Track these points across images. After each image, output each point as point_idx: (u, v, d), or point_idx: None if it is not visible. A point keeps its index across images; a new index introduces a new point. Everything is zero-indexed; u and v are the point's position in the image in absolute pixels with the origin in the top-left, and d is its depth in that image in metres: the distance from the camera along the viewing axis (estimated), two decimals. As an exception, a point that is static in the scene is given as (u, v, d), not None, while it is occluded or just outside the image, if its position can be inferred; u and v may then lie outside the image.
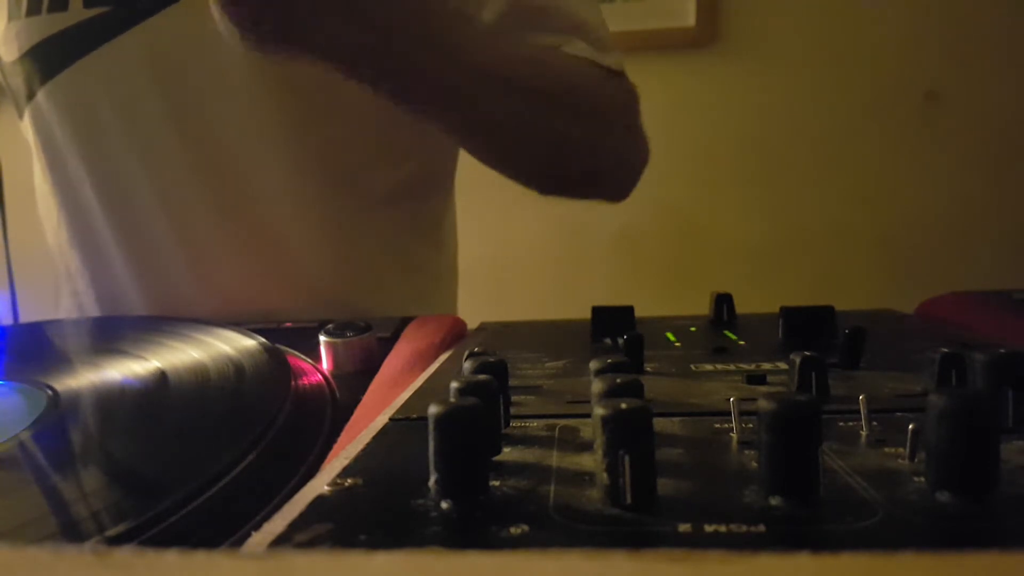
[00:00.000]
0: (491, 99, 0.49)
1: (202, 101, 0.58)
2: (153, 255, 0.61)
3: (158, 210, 0.60)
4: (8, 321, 0.61)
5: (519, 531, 0.15)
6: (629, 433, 0.16)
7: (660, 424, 0.22)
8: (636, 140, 0.63)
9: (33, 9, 0.58)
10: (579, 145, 0.57)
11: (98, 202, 0.61)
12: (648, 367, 0.32)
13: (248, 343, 0.40)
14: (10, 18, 0.60)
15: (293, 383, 0.35)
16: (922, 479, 0.17)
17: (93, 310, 0.64)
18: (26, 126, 0.64)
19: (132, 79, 0.57)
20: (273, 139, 0.59)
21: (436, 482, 0.16)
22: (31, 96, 0.61)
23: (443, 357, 0.37)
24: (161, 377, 0.36)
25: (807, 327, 0.38)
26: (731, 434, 0.21)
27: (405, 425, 0.24)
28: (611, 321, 0.40)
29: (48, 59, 0.59)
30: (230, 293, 0.61)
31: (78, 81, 0.58)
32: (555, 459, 0.20)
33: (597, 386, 0.19)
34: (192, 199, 0.59)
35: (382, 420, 0.24)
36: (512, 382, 0.26)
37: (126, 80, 0.58)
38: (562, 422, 0.23)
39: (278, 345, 0.41)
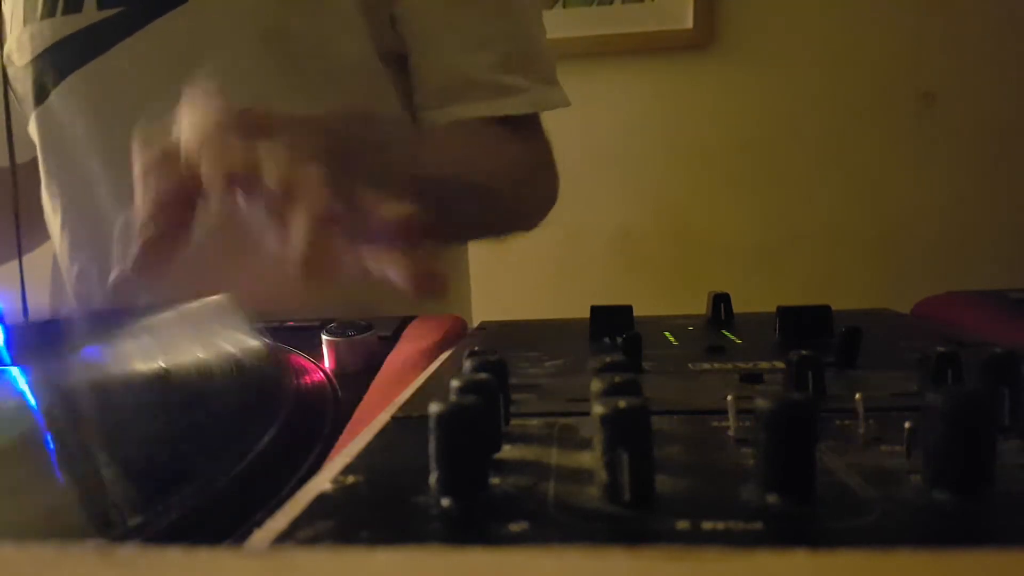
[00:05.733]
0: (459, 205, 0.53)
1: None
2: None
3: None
4: (18, 319, 0.61)
5: (519, 528, 0.15)
6: (628, 431, 0.16)
7: (658, 422, 0.22)
8: (551, 181, 0.65)
9: (48, 12, 0.59)
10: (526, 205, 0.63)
11: (109, 202, 0.61)
12: (646, 366, 0.32)
13: (251, 342, 0.40)
14: (25, 22, 0.60)
15: (295, 382, 0.35)
16: (918, 477, 0.17)
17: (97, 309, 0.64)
18: (33, 130, 0.64)
19: (145, 77, 0.58)
20: None
21: (437, 479, 0.16)
22: (42, 98, 0.61)
23: (443, 356, 0.37)
24: (164, 375, 0.36)
25: (804, 326, 0.38)
26: (728, 432, 0.21)
27: (406, 423, 0.24)
28: (610, 320, 0.40)
29: (61, 60, 0.59)
30: (248, 293, 0.60)
31: (91, 81, 0.59)
32: (554, 457, 0.20)
33: (596, 385, 0.19)
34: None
35: (383, 418, 0.25)
36: (512, 381, 0.26)
37: (139, 79, 0.58)
38: (561, 420, 0.23)
39: (280, 344, 0.41)
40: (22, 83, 0.63)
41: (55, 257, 0.69)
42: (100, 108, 0.59)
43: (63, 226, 0.63)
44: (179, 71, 0.57)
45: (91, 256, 0.63)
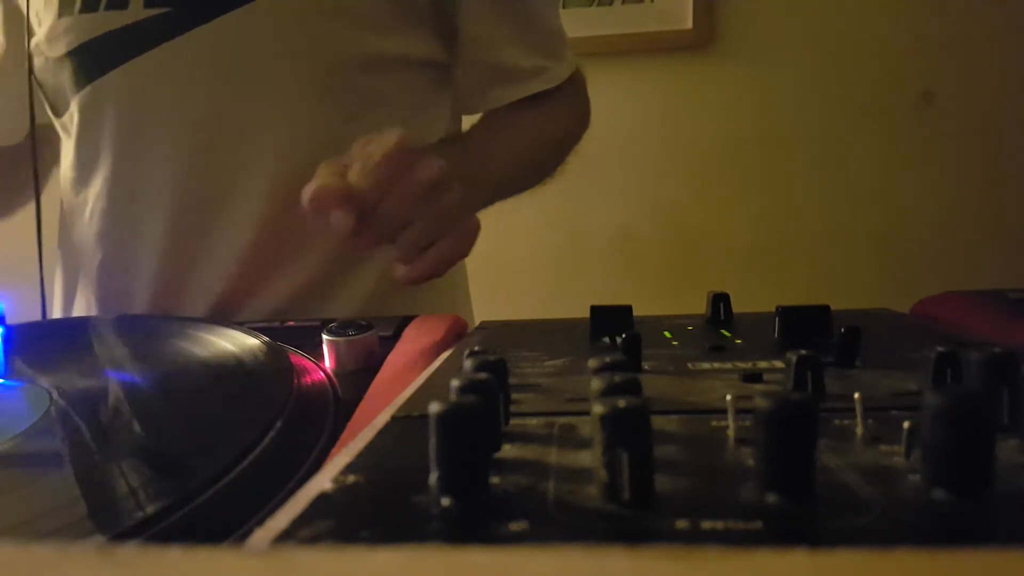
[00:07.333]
0: (522, 180, 0.71)
1: (249, 107, 0.60)
2: (189, 253, 0.62)
3: (196, 209, 0.61)
4: (36, 318, 0.62)
5: (519, 527, 0.15)
6: (627, 431, 0.16)
7: (658, 422, 0.22)
8: (587, 107, 0.76)
9: (88, 6, 0.60)
10: (564, 146, 0.74)
11: (139, 197, 0.62)
12: (646, 365, 0.32)
13: (251, 342, 0.40)
14: (61, 14, 0.61)
15: (296, 381, 0.35)
16: (917, 477, 0.17)
17: (119, 304, 0.64)
18: (67, 121, 0.65)
19: (185, 81, 0.59)
20: (320, 145, 0.60)
21: (437, 479, 0.16)
22: (78, 91, 0.62)
23: (444, 356, 0.37)
24: (165, 375, 0.36)
25: (803, 326, 0.38)
26: (728, 432, 0.21)
27: (406, 423, 0.24)
28: (609, 320, 0.40)
29: (102, 55, 0.60)
30: (270, 294, 0.63)
31: (131, 78, 0.60)
32: (554, 456, 0.20)
33: (596, 384, 0.19)
34: (235, 202, 0.61)
35: (384, 418, 0.25)
36: (512, 380, 0.26)
37: (179, 81, 0.59)
38: (561, 420, 0.23)
39: (280, 344, 0.41)
40: (54, 75, 0.64)
41: (60, 246, 0.69)
42: (137, 106, 0.60)
43: (91, 216, 0.64)
44: (220, 77, 0.60)
45: (117, 247, 0.64)
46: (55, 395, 0.34)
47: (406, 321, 0.48)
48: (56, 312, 0.69)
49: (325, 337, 0.41)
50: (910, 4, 1.37)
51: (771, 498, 0.16)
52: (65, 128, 0.66)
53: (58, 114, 0.66)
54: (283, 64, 0.60)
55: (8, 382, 0.37)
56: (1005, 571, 0.11)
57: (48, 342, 0.48)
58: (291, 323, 0.52)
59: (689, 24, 1.39)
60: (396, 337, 0.45)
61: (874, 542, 0.14)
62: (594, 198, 1.44)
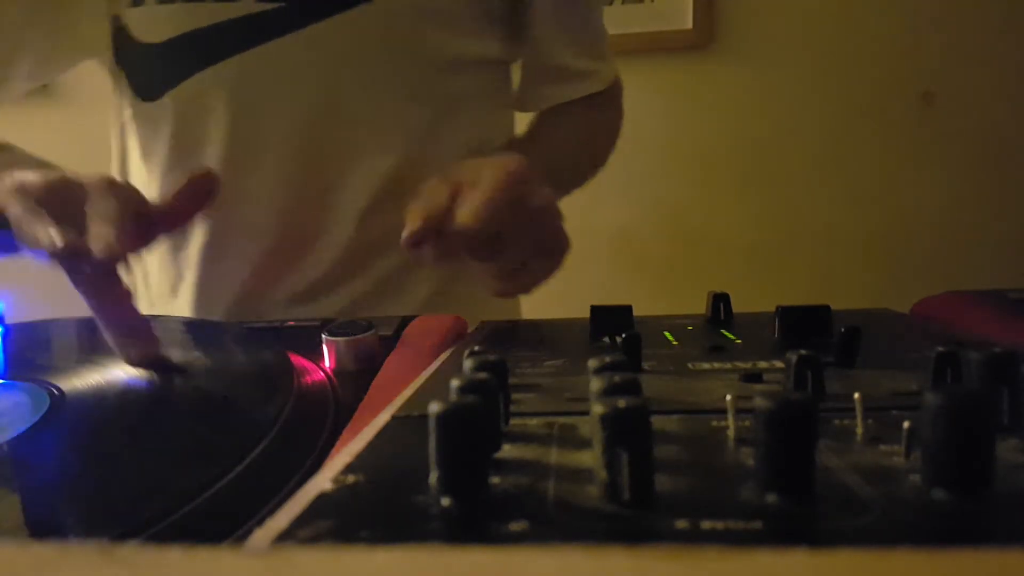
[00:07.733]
0: (573, 177, 0.75)
1: (353, 106, 0.61)
2: (292, 242, 0.63)
3: (303, 201, 0.62)
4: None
5: (519, 527, 0.15)
6: (627, 431, 0.16)
7: (658, 422, 0.22)
8: (622, 110, 0.80)
9: None
10: (607, 150, 0.78)
11: (249, 187, 0.62)
12: (646, 366, 0.32)
13: (252, 342, 0.40)
14: (163, 0, 0.61)
15: (296, 382, 0.35)
16: (917, 477, 0.17)
17: (214, 287, 0.65)
18: (155, 108, 0.64)
19: (298, 77, 0.60)
20: (416, 143, 0.63)
21: (437, 479, 0.16)
22: (180, 80, 0.62)
23: (444, 356, 0.37)
24: (166, 375, 0.36)
25: (803, 326, 0.38)
26: (728, 432, 0.21)
27: (406, 423, 0.24)
28: (610, 320, 0.40)
29: (211, 46, 0.60)
30: (348, 289, 0.64)
31: (243, 71, 0.60)
32: (554, 456, 0.20)
33: (596, 384, 0.19)
34: (338, 197, 0.62)
35: (384, 418, 0.25)
36: (512, 380, 0.26)
37: (291, 77, 0.60)
38: (561, 420, 0.23)
39: (281, 344, 0.41)
40: (148, 61, 0.63)
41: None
42: (249, 100, 0.61)
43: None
44: (331, 75, 0.61)
45: (222, 232, 0.64)
46: (56, 396, 0.34)
47: (406, 321, 0.48)
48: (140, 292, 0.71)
49: (325, 337, 0.41)
50: (910, 4, 1.37)
51: (771, 498, 0.16)
52: (149, 115, 0.65)
53: (148, 97, 0.65)
54: (386, 65, 0.61)
55: (8, 382, 0.37)
56: (1005, 571, 0.11)
57: (51, 342, 0.48)
58: (291, 323, 0.52)
59: (689, 24, 1.39)
60: (396, 337, 0.45)
61: (874, 542, 0.14)
62: (594, 198, 1.43)
